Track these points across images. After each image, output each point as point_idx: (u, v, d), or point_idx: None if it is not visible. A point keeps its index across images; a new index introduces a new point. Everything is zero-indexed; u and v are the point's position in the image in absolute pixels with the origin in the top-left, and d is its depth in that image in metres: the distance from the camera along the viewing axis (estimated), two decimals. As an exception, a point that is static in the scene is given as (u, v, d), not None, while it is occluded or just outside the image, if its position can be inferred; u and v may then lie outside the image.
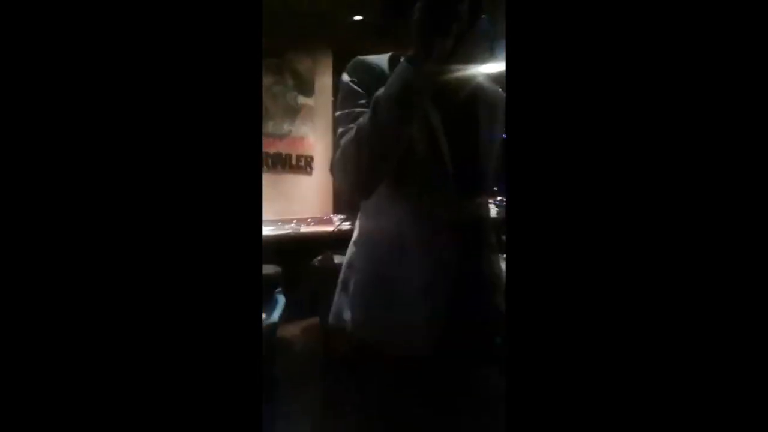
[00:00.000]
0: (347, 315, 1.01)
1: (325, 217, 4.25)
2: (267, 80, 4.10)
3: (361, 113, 0.91)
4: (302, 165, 4.42)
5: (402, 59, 0.84)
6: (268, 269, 2.57)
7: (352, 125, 0.90)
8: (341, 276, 1.07)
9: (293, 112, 4.32)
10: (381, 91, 0.85)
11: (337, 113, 0.99)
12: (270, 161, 4.25)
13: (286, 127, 4.33)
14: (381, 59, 1.01)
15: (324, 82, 4.45)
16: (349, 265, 1.06)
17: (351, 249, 1.07)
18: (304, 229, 3.91)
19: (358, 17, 3.89)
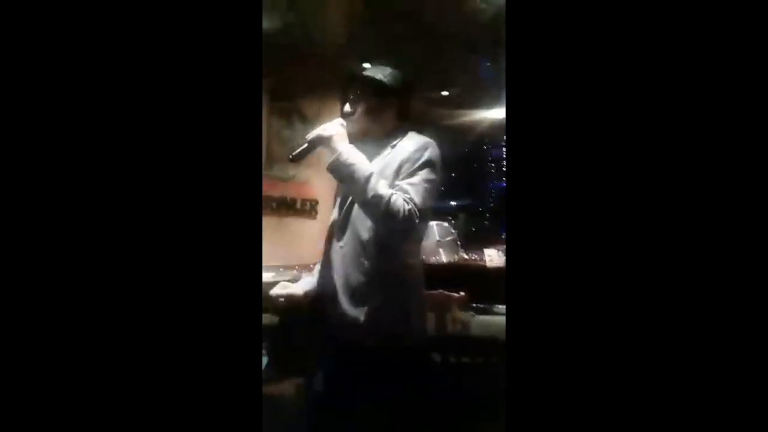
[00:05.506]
0: None
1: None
2: (274, 124, 4.12)
3: None
4: (307, 209, 4.39)
5: None
6: None
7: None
8: None
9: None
10: None
11: None
12: (274, 205, 4.23)
13: (290, 171, 4.33)
14: None
15: (330, 126, 4.49)
16: None
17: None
18: (307, 275, 3.82)
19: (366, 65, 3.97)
